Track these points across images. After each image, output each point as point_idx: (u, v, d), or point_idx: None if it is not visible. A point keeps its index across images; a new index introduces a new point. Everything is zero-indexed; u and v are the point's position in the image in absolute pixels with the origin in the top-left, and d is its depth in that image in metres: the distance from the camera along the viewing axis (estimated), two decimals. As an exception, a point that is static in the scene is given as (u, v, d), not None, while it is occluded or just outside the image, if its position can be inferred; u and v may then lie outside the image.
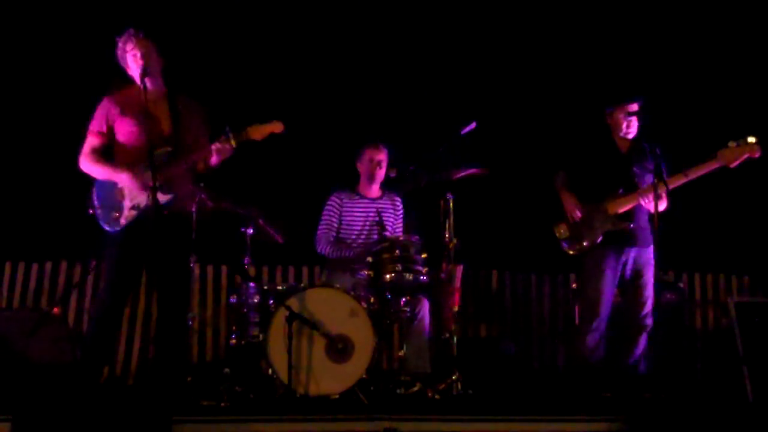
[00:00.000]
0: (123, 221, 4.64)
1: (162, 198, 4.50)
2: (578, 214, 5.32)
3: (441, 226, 5.29)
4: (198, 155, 4.73)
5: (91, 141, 4.78)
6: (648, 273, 5.33)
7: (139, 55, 4.68)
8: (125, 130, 4.73)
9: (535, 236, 5.53)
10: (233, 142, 4.66)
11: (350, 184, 5.97)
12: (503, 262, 6.96)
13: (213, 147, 4.67)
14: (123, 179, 4.64)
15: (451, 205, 5.28)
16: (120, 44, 4.74)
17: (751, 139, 5.13)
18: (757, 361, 5.88)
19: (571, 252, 5.39)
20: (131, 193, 4.64)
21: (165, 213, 4.52)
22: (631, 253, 5.33)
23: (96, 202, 4.71)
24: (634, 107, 5.38)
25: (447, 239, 5.27)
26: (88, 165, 4.77)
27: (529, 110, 6.76)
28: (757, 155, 5.14)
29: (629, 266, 5.34)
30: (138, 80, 4.68)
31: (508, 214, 6.36)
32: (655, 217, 4.98)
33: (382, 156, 5.86)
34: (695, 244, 6.73)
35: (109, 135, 4.77)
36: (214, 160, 4.73)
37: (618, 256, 5.31)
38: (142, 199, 4.60)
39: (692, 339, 6.71)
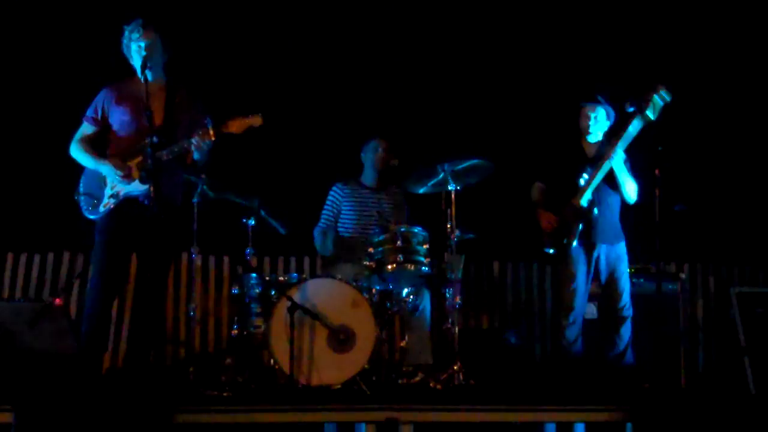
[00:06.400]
0: (101, 208, 4.69)
1: (140, 188, 4.55)
2: (552, 225, 5.43)
3: (443, 216, 5.30)
4: (177, 147, 4.66)
5: (85, 128, 4.84)
6: (621, 267, 5.47)
7: (143, 46, 4.70)
8: (118, 119, 4.76)
9: (536, 226, 5.53)
10: (212, 135, 4.64)
11: (353, 174, 5.96)
12: (505, 252, 6.95)
13: (192, 139, 4.64)
14: (104, 169, 4.68)
15: (452, 196, 5.28)
16: (126, 33, 4.76)
17: None
18: (759, 352, 5.90)
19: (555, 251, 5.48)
20: (112, 182, 4.68)
21: (146, 204, 4.52)
22: (602, 249, 5.44)
23: (81, 188, 4.78)
24: (593, 107, 5.45)
25: (449, 230, 5.27)
26: (76, 151, 4.82)
27: (528, 101, 6.75)
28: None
29: (602, 261, 5.45)
30: (139, 71, 4.67)
31: (509, 204, 6.34)
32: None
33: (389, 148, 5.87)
34: (696, 234, 6.72)
35: (103, 123, 4.80)
36: (194, 153, 4.70)
37: (590, 251, 5.42)
38: (122, 188, 4.65)
39: (693, 330, 6.72)
